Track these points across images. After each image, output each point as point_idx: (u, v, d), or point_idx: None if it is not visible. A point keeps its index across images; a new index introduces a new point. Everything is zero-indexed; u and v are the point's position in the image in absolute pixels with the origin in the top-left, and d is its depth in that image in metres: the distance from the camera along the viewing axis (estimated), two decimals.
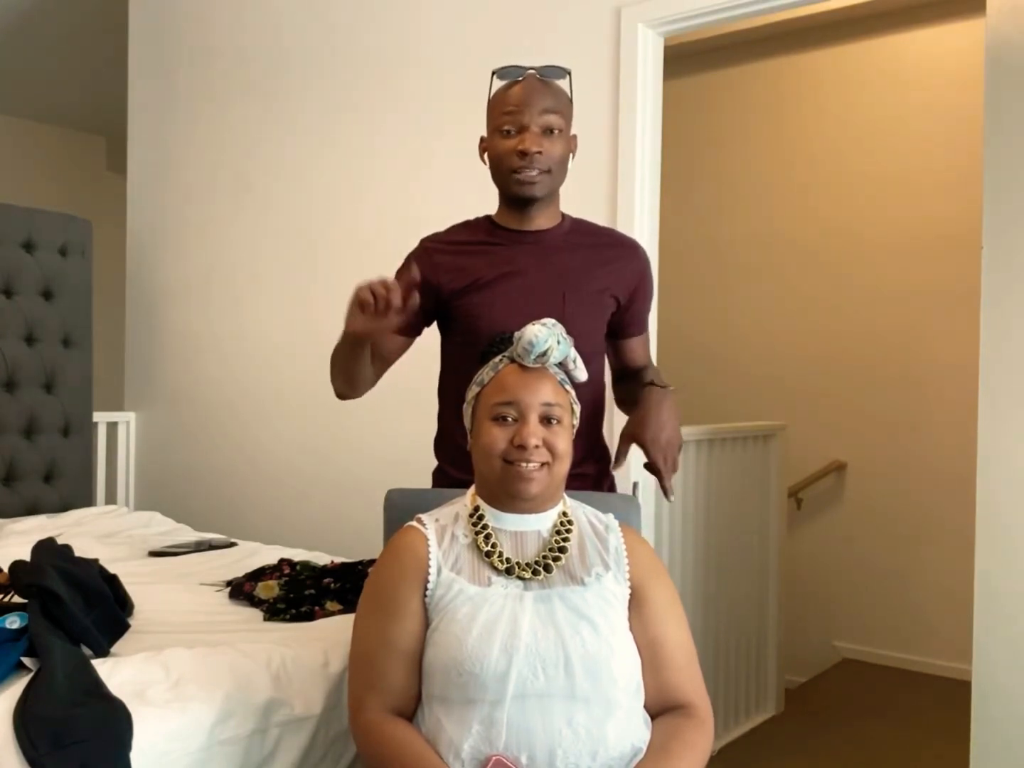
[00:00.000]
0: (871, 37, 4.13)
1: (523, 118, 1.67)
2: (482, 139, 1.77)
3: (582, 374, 1.44)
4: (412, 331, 1.80)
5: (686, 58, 4.36)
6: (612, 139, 2.62)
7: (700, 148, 4.57)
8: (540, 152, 1.66)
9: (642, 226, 2.57)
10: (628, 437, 1.68)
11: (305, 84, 3.41)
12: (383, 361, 1.79)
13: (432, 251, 1.78)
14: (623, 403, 1.90)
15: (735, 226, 4.52)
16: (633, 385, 1.83)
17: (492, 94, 1.74)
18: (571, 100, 1.75)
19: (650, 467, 1.68)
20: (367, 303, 1.46)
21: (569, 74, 1.74)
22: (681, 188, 4.37)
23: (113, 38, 4.23)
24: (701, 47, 4.35)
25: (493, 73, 1.72)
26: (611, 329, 1.82)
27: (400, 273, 1.77)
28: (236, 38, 3.62)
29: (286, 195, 3.46)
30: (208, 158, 3.71)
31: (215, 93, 3.69)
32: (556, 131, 1.69)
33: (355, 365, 1.70)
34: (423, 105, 3.08)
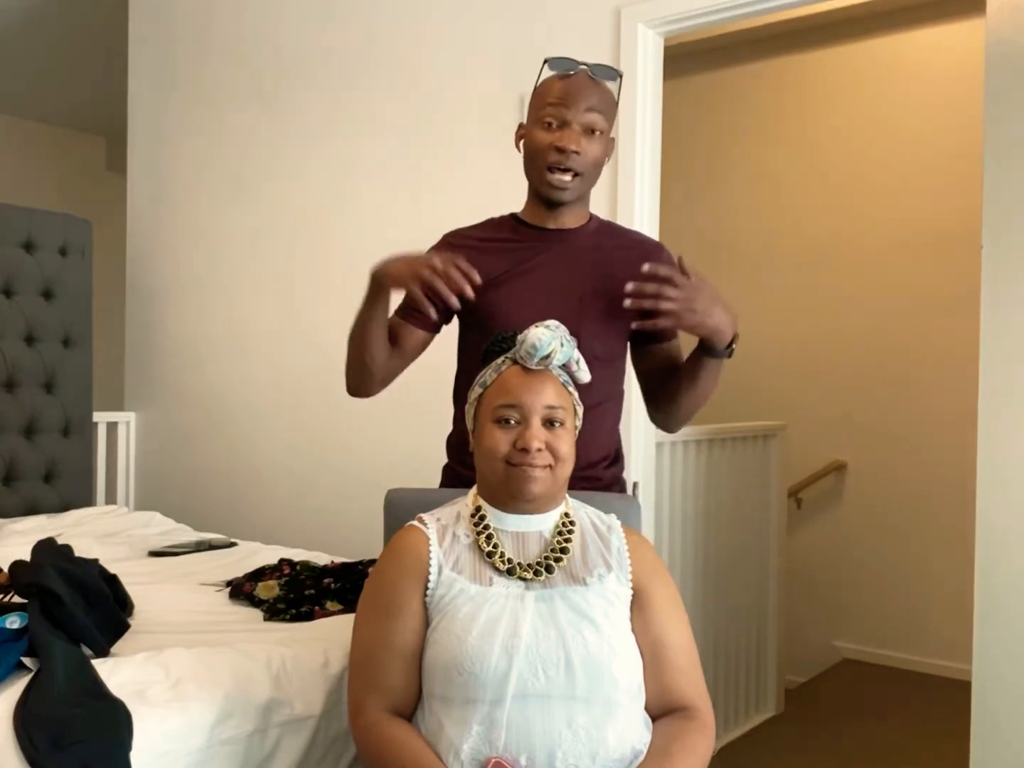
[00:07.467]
0: (871, 37, 4.13)
1: (567, 113, 1.62)
2: (520, 126, 1.73)
3: (585, 376, 1.43)
4: (434, 328, 1.75)
5: (686, 58, 4.36)
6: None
7: (700, 148, 4.57)
8: (578, 152, 1.62)
9: (641, 226, 2.56)
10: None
11: (305, 86, 3.41)
12: (402, 356, 1.73)
13: (455, 246, 1.73)
14: (667, 399, 1.72)
15: (735, 226, 4.52)
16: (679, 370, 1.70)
17: (539, 82, 1.69)
18: (617, 103, 1.71)
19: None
20: (433, 283, 1.50)
21: (620, 77, 1.70)
22: (681, 188, 4.37)
23: (113, 38, 4.23)
24: (701, 47, 4.35)
25: (545, 61, 1.67)
26: (642, 335, 1.73)
27: None
28: (236, 39, 3.63)
29: (285, 196, 3.46)
30: (208, 158, 3.71)
31: (215, 93, 3.69)
32: (598, 132, 1.64)
33: (372, 330, 1.63)
34: (421, 107, 3.08)
